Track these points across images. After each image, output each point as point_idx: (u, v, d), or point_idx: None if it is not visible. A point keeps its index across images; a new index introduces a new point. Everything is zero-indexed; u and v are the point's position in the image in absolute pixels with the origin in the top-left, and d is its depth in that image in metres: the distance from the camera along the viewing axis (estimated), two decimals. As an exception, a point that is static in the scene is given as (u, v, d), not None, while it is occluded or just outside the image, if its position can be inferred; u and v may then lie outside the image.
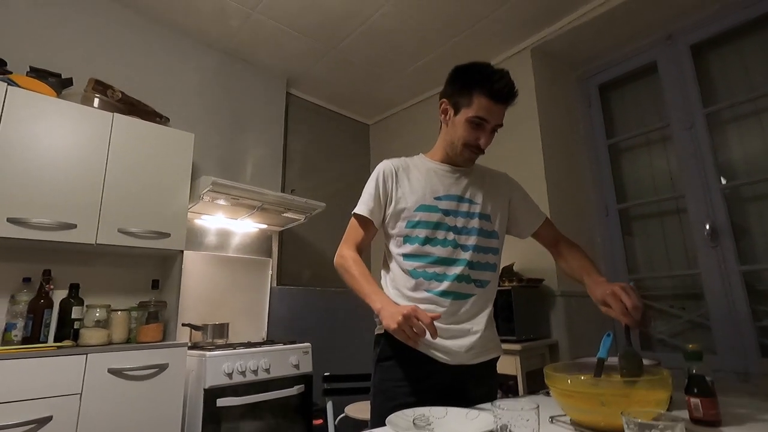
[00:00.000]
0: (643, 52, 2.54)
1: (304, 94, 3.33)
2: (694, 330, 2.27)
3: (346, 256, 1.14)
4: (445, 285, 1.08)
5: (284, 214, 2.55)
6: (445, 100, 1.15)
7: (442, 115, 1.17)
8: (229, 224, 2.62)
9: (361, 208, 1.16)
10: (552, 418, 0.89)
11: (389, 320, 0.93)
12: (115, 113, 1.95)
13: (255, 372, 1.97)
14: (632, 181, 2.62)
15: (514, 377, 2.02)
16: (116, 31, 2.36)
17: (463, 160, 1.16)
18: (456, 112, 1.12)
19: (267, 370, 2.01)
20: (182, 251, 2.06)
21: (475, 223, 1.14)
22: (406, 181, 1.16)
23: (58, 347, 1.62)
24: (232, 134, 2.78)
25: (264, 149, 2.92)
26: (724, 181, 2.18)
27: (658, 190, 2.49)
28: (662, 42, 2.45)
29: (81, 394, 1.54)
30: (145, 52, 2.46)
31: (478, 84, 1.06)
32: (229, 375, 1.89)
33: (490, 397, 1.11)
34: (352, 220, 1.18)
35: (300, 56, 2.88)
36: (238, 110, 2.84)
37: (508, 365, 2.02)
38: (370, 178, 1.19)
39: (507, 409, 0.61)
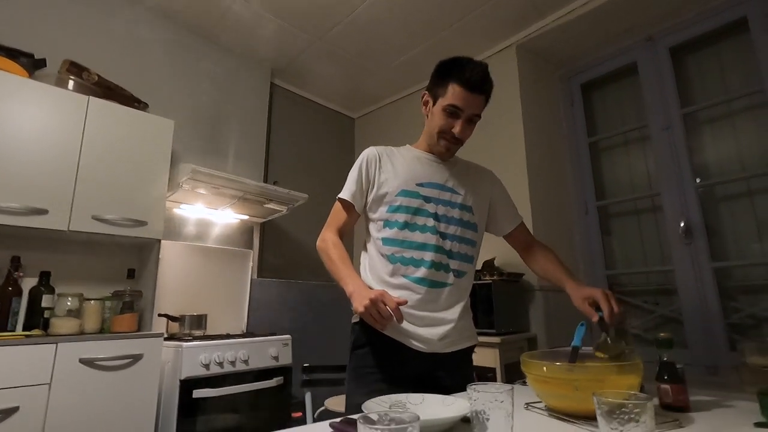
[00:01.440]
0: (625, 53, 2.58)
1: (289, 85, 3.29)
2: (667, 325, 2.34)
3: (327, 239, 1.15)
4: (421, 271, 1.09)
5: (266, 205, 2.51)
6: (426, 92, 1.19)
7: (424, 107, 1.20)
8: (210, 214, 2.58)
9: (345, 192, 1.18)
10: (527, 404, 0.90)
11: (358, 303, 0.95)
12: (90, 96, 1.89)
13: (233, 363, 1.95)
14: (611, 179, 2.68)
15: (493, 369, 2.05)
16: (94, 12, 2.29)
17: (439, 150, 1.18)
18: (434, 103, 1.15)
19: (245, 362, 1.99)
20: (159, 240, 2.01)
21: (455, 212, 1.15)
22: (390, 166, 1.18)
23: (27, 336, 1.57)
24: (214, 122, 2.73)
25: (247, 139, 2.87)
26: (698, 181, 2.24)
27: (635, 189, 2.54)
28: (643, 43, 2.50)
29: (50, 384, 1.49)
30: (125, 35, 2.39)
31: (452, 73, 1.10)
32: (206, 366, 1.86)
33: (466, 386, 1.12)
34: (336, 204, 1.20)
35: (285, 46, 2.84)
36: (220, 98, 2.78)
37: (487, 358, 2.05)
38: (354, 164, 1.20)
39: (482, 391, 0.61)
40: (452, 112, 1.10)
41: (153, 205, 1.99)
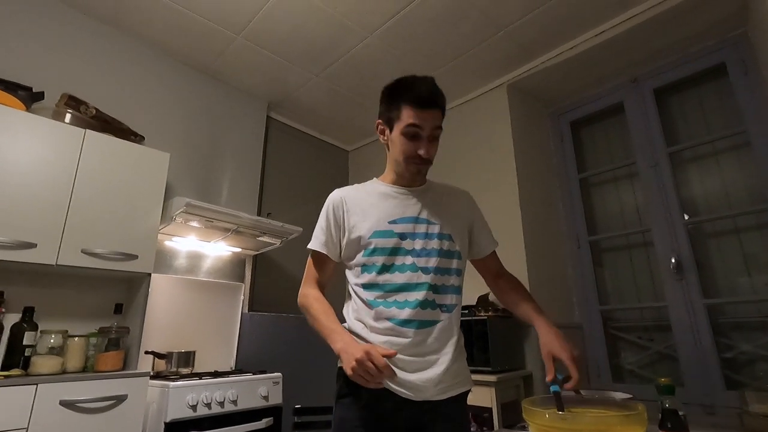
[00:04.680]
0: (611, 93, 2.68)
1: (284, 119, 3.34)
2: (662, 361, 2.32)
3: (307, 294, 1.11)
4: (407, 313, 1.02)
5: (259, 238, 2.49)
6: (379, 121, 1.15)
7: (381, 136, 1.16)
8: (202, 247, 2.55)
9: (314, 243, 1.14)
10: (530, 454, 0.87)
11: (346, 365, 0.92)
12: (87, 130, 1.89)
13: (221, 404, 1.87)
14: (602, 214, 2.72)
15: (489, 409, 2.00)
16: (95, 46, 2.33)
17: (410, 175, 1.13)
18: (391, 130, 1.11)
19: (234, 402, 1.91)
20: (150, 274, 1.97)
21: (434, 244, 1.09)
22: (358, 208, 1.13)
23: (5, 377, 1.50)
24: (210, 155, 2.74)
25: (241, 171, 2.88)
26: (687, 217, 2.29)
27: (626, 224, 2.58)
28: (628, 85, 2.60)
29: (27, 428, 1.41)
30: (125, 69, 2.43)
31: (402, 95, 1.07)
32: (193, 407, 1.78)
33: None
34: (312, 255, 1.16)
35: (282, 82, 2.90)
36: (216, 131, 2.81)
37: (483, 397, 2.00)
38: (321, 212, 1.16)
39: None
40: (413, 133, 1.06)
41: (145, 238, 1.96)
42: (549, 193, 2.78)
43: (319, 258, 1.14)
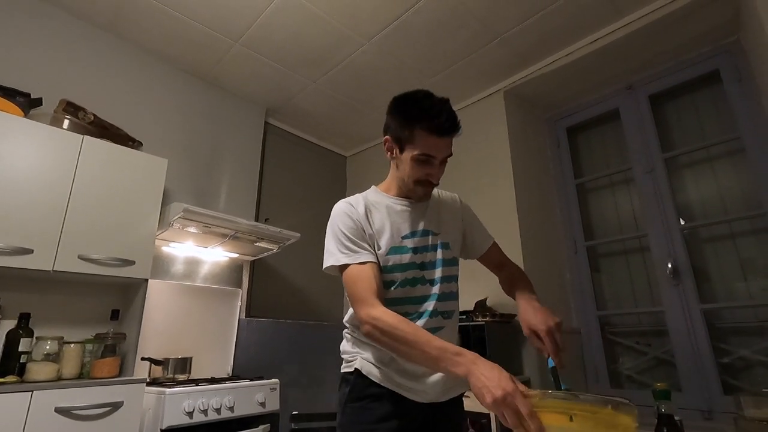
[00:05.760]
0: (607, 100, 2.71)
1: (282, 125, 3.35)
2: (659, 367, 2.32)
3: (379, 316, 0.91)
4: (419, 323, 1.03)
5: (257, 244, 2.49)
6: (388, 137, 1.09)
7: (388, 153, 1.11)
8: (199, 252, 2.54)
9: (355, 257, 1.01)
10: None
11: (493, 389, 0.73)
12: (85, 136, 1.89)
13: (218, 410, 1.86)
14: (599, 219, 2.73)
15: (488, 415, 1.99)
16: (93, 52, 2.34)
17: (417, 197, 1.12)
18: (401, 150, 1.06)
19: (231, 409, 1.91)
20: (147, 280, 1.96)
21: (439, 254, 1.11)
22: (376, 221, 1.10)
23: (0, 383, 1.49)
24: (208, 161, 2.74)
25: (239, 177, 2.89)
26: (683, 222, 2.30)
27: (622, 229, 2.59)
28: (623, 91, 2.62)
29: (22, 436, 1.41)
30: (123, 75, 2.44)
31: (418, 120, 1.00)
32: (190, 414, 1.77)
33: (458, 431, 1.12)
34: (353, 269, 1.00)
35: (280, 88, 2.92)
36: (214, 137, 2.82)
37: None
38: (339, 222, 1.06)
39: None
40: (425, 160, 1.02)
41: (142, 244, 1.96)
42: (546, 199, 2.79)
43: (369, 269, 1.00)
